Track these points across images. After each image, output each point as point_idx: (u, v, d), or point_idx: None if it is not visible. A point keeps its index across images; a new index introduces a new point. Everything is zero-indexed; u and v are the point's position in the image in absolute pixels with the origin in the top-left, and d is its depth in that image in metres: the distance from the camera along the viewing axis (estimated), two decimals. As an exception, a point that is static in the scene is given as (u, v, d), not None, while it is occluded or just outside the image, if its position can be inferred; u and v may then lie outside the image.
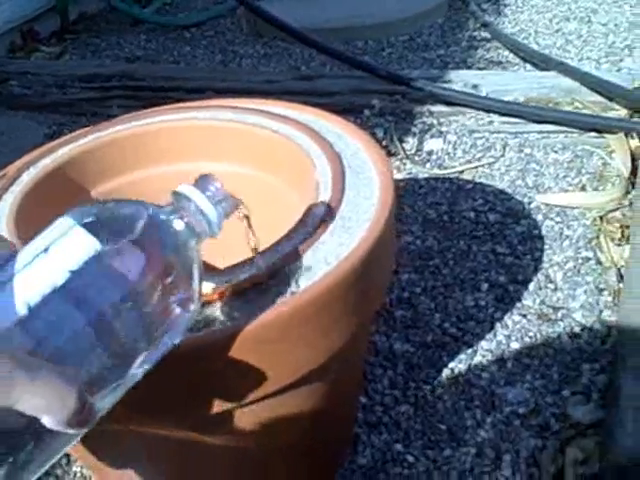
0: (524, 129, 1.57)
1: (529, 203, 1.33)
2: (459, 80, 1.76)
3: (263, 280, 0.62)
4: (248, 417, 0.67)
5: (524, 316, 1.07)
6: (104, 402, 0.42)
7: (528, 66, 1.94)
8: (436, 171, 1.47)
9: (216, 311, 0.60)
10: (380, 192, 0.72)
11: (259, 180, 0.84)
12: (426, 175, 1.46)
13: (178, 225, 0.48)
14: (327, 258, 0.64)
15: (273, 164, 0.82)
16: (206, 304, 0.60)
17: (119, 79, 2.04)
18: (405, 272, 1.18)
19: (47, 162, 0.81)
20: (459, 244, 1.24)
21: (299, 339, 0.61)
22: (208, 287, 0.60)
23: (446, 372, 1.00)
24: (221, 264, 0.68)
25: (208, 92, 1.88)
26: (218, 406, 0.62)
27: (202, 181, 0.52)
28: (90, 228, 0.43)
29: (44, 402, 0.35)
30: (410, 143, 1.57)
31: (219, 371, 0.59)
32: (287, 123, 0.83)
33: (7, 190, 0.77)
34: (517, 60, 1.99)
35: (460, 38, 2.18)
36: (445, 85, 1.71)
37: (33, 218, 0.74)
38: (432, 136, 1.59)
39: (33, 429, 0.37)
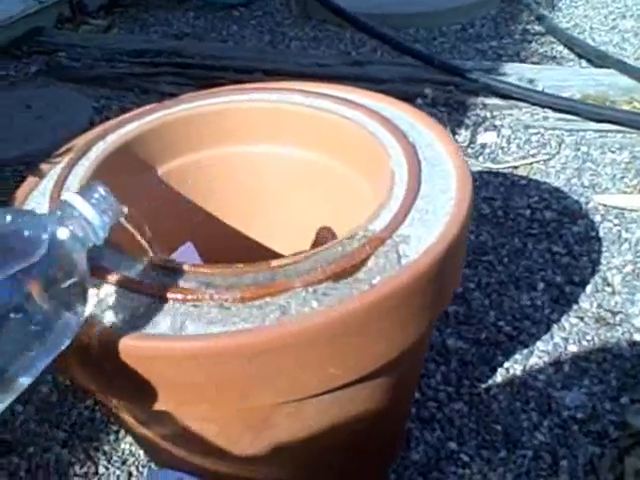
0: (580, 127, 1.54)
1: (586, 203, 1.30)
2: (514, 73, 1.73)
3: (341, 271, 0.60)
4: (314, 409, 0.65)
5: (581, 319, 1.05)
6: None
7: (583, 62, 1.90)
8: (489, 165, 1.45)
9: (292, 300, 0.58)
10: (458, 186, 0.70)
11: (327, 167, 0.82)
12: (479, 169, 1.43)
13: (62, 234, 0.50)
14: (406, 251, 0.62)
15: (343, 151, 0.80)
16: (281, 292, 0.59)
17: (168, 55, 2.03)
18: (462, 270, 1.16)
19: (115, 138, 0.79)
20: (514, 241, 1.22)
21: (376, 333, 0.60)
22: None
23: (501, 371, 0.98)
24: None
25: (257, 73, 1.86)
26: (286, 397, 0.61)
27: (87, 189, 0.54)
28: None
29: None
30: (463, 135, 1.54)
31: (292, 362, 0.58)
32: (359, 110, 0.81)
33: (76, 164, 0.76)
34: (572, 56, 1.95)
35: (513, 30, 2.14)
36: (500, 78, 1.67)
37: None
38: (486, 129, 1.56)
39: None
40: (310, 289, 0.59)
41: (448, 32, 2.16)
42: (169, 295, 0.58)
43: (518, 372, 0.97)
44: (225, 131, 0.85)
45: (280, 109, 0.83)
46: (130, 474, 0.90)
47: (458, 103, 1.65)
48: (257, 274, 0.60)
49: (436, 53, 1.98)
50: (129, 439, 0.94)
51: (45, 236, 0.48)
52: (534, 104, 1.61)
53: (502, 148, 1.50)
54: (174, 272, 0.61)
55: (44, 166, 0.79)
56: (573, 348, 1.00)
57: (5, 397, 0.43)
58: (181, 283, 0.60)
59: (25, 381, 0.45)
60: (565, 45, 2.00)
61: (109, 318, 0.57)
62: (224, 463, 0.72)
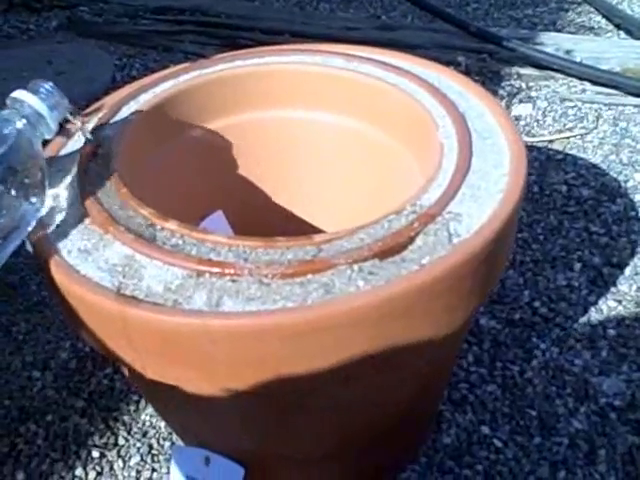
0: (620, 101, 1.48)
1: (625, 181, 1.25)
2: (551, 43, 1.67)
3: (388, 249, 0.56)
4: (351, 393, 0.62)
5: (619, 302, 1.01)
6: None
7: (622, 33, 1.84)
8: (524, 138, 1.40)
9: (336, 278, 0.55)
10: (511, 161, 0.66)
11: (370, 136, 0.78)
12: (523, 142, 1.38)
13: (13, 127, 0.54)
14: (457, 230, 0.58)
15: (388, 120, 0.76)
16: (325, 269, 0.55)
17: (192, 13, 1.98)
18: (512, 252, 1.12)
19: (147, 97, 0.76)
20: (549, 218, 1.17)
21: (424, 316, 0.56)
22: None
23: (536, 354, 0.94)
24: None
25: (285, 35, 1.81)
26: (325, 379, 0.58)
27: (33, 85, 0.58)
28: None
29: None
30: (497, 106, 1.49)
31: (333, 344, 0.54)
32: (405, 76, 0.77)
33: (106, 124, 0.72)
34: (610, 27, 1.88)
35: (549, -1, 2.07)
36: (537, 47, 1.62)
37: (133, 158, 0.70)
38: (521, 101, 1.51)
39: None
40: (355, 267, 0.55)
41: (481, -2, 2.09)
42: (205, 268, 0.55)
43: (554, 355, 0.94)
44: (262, 94, 0.81)
45: (321, 73, 0.79)
46: (151, 447, 0.87)
47: (492, 73, 1.60)
48: (299, 249, 0.56)
49: (468, 20, 1.92)
50: (150, 410, 0.91)
51: (7, 130, 0.52)
52: (571, 76, 1.55)
53: (537, 121, 1.45)
54: (211, 244, 0.57)
55: (71, 125, 0.75)
56: (611, 332, 0.96)
57: None
58: (218, 256, 0.56)
59: None
60: (603, 15, 1.92)
61: (142, 291, 0.54)
62: (253, 443, 0.70)
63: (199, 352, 0.54)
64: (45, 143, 0.64)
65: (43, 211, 0.56)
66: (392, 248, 0.56)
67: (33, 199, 0.53)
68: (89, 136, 0.68)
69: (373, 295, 0.53)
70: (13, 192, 0.49)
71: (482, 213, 0.60)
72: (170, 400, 0.68)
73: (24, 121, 0.55)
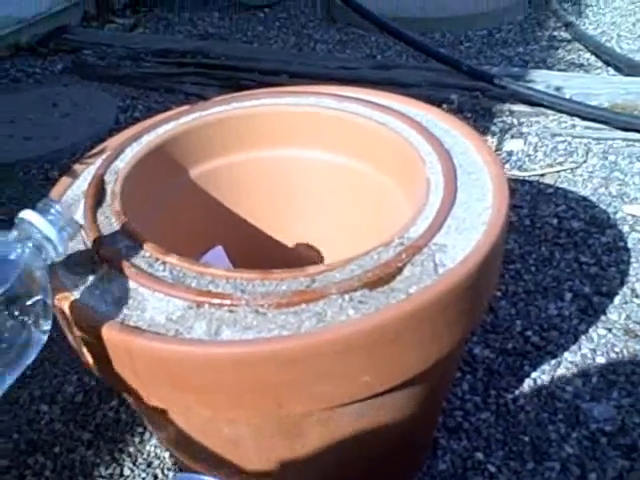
0: (608, 135, 1.53)
1: (614, 213, 1.29)
2: (541, 80, 1.72)
3: (377, 279, 0.59)
4: (345, 418, 0.65)
5: (609, 330, 1.04)
6: None
7: (611, 70, 1.89)
8: (516, 172, 1.44)
9: (328, 307, 0.58)
10: (494, 195, 0.69)
11: (361, 173, 0.82)
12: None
13: (20, 251, 0.50)
14: (443, 260, 0.61)
15: (377, 157, 0.80)
16: (317, 299, 0.58)
17: (193, 56, 2.04)
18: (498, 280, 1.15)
19: (150, 139, 0.80)
20: (541, 250, 1.21)
21: (411, 342, 0.59)
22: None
23: (528, 382, 0.97)
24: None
25: (282, 75, 1.86)
26: (320, 404, 0.60)
27: (43, 206, 0.54)
28: None
29: None
30: (489, 142, 1.53)
31: (327, 370, 0.57)
32: (393, 115, 0.81)
33: (111, 164, 0.76)
34: (599, 63, 1.93)
35: (540, 37, 2.13)
36: (528, 85, 1.66)
37: (136, 196, 0.73)
38: (512, 136, 1.55)
39: None
40: (346, 297, 0.58)
41: (474, 37, 2.15)
42: (205, 299, 0.58)
43: (546, 383, 0.96)
44: (259, 134, 0.85)
45: (314, 113, 0.83)
46: (155, 477, 0.90)
47: (484, 109, 1.64)
48: (293, 280, 0.60)
49: (462, 58, 1.97)
50: (154, 442, 0.94)
51: (13, 257, 0.49)
52: (562, 112, 1.60)
53: (529, 156, 1.49)
54: (210, 276, 0.60)
55: (78, 166, 0.79)
56: (601, 360, 0.99)
57: None
58: (217, 288, 0.59)
59: None
60: (593, 52, 1.98)
61: (145, 321, 0.57)
62: (253, 469, 0.72)
63: (200, 379, 0.57)
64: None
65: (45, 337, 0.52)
66: (381, 279, 0.60)
67: (39, 322, 0.50)
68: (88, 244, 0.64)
69: (363, 323, 0.56)
70: (17, 316, 0.47)
71: (467, 244, 0.63)
72: (172, 428, 0.71)
73: (31, 246, 0.52)
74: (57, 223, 0.53)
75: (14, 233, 0.51)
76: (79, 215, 0.69)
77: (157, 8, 2.56)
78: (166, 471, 0.90)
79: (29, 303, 0.48)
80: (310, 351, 0.56)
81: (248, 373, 0.56)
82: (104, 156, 0.78)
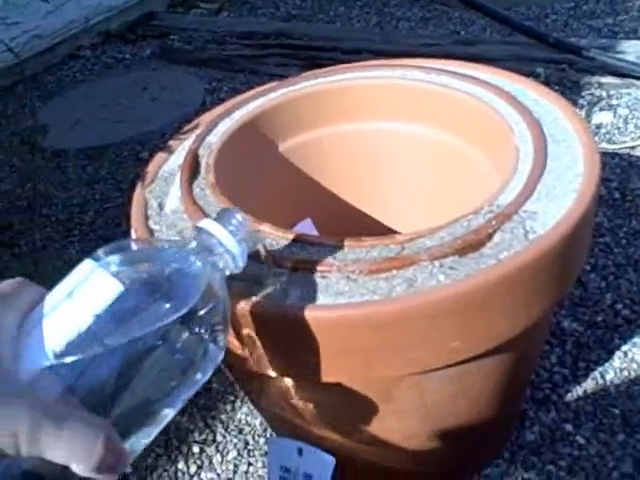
0: None
1: None
2: (632, 51, 1.67)
3: (467, 246, 0.60)
4: (434, 384, 0.66)
5: None
6: (137, 443, 0.42)
7: None
8: (605, 145, 1.41)
9: (419, 273, 0.59)
10: (585, 162, 0.69)
11: (448, 144, 0.82)
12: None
13: (202, 264, 0.47)
14: (533, 227, 0.61)
15: (465, 128, 0.80)
16: (408, 265, 0.59)
17: (276, 37, 2.06)
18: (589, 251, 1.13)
19: (240, 114, 0.82)
20: (631, 223, 1.18)
21: (501, 308, 0.60)
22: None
23: (618, 355, 0.95)
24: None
25: (366, 54, 1.87)
26: (410, 369, 0.62)
27: (224, 215, 0.51)
28: (112, 270, 0.43)
29: (71, 451, 0.35)
30: (577, 115, 1.50)
31: (417, 334, 0.58)
32: (481, 86, 0.81)
33: (204, 139, 0.78)
34: (694, 32, 1.86)
35: (630, 7, 2.06)
36: (617, 56, 1.62)
37: (229, 169, 0.76)
38: (601, 109, 1.52)
39: (67, 476, 0.37)
40: (437, 263, 0.59)
41: (561, 9, 2.10)
42: (299, 266, 0.60)
43: (637, 356, 0.95)
44: (346, 108, 0.86)
45: (401, 86, 0.84)
46: (247, 443, 0.93)
47: (572, 82, 1.61)
48: (383, 248, 0.61)
49: (548, 31, 1.93)
50: (245, 409, 0.97)
51: (195, 272, 0.46)
52: (653, 83, 1.55)
53: (618, 128, 1.45)
54: (302, 243, 0.62)
55: (172, 142, 0.82)
56: (696, 333, 0.97)
57: (151, 430, 0.43)
58: (309, 255, 0.61)
59: (168, 413, 0.44)
60: (686, 21, 1.91)
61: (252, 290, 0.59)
62: (341, 434, 0.74)
63: (293, 342, 0.59)
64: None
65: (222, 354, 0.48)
66: (471, 245, 0.60)
67: (218, 337, 0.47)
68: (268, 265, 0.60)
69: (452, 289, 0.57)
70: (196, 332, 0.44)
71: (557, 211, 0.63)
72: (266, 393, 0.73)
73: (212, 259, 0.49)
74: (238, 234, 0.50)
75: (193, 244, 0.48)
76: (175, 187, 0.72)
77: (240, -9, 2.60)
78: (257, 437, 0.93)
79: (209, 318, 0.46)
80: (401, 316, 0.57)
81: (340, 337, 0.58)
82: (197, 132, 0.81)
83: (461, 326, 0.59)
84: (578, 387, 0.92)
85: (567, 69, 1.65)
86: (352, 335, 0.58)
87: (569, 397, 0.91)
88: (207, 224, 0.49)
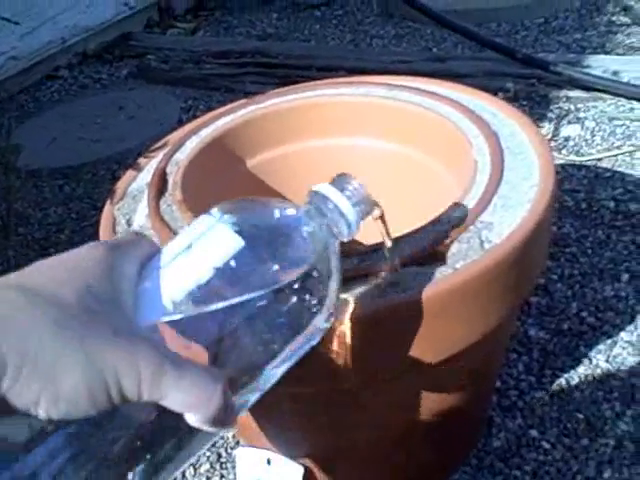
0: (668, 118, 1.51)
1: (673, 195, 1.28)
2: (598, 65, 1.71)
3: (424, 256, 0.62)
4: (395, 390, 0.68)
5: (667, 310, 1.04)
6: (243, 403, 0.42)
7: (672, 53, 1.86)
8: (573, 157, 1.44)
9: (374, 284, 0.61)
10: (540, 173, 0.71)
11: (410, 158, 0.85)
12: (562, 161, 1.42)
13: (317, 227, 0.46)
14: (489, 237, 0.64)
15: (426, 142, 0.82)
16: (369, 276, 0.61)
17: (252, 56, 2.09)
18: (546, 259, 1.16)
19: (208, 131, 0.84)
20: (597, 233, 1.21)
21: (457, 316, 0.62)
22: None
23: (583, 362, 0.98)
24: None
25: (340, 71, 1.89)
26: (371, 373, 0.63)
27: (340, 180, 0.50)
28: (233, 226, 0.42)
29: (190, 398, 0.34)
30: (546, 128, 1.54)
31: (374, 343, 0.60)
32: (441, 101, 0.83)
33: (172, 157, 0.80)
34: (660, 46, 1.91)
35: (598, 22, 2.10)
36: (584, 70, 1.66)
37: (196, 186, 0.78)
38: (569, 122, 1.55)
39: (174, 427, 0.36)
40: (395, 273, 0.61)
41: (531, 26, 2.14)
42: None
43: (601, 362, 0.97)
44: (312, 124, 0.88)
45: (365, 102, 0.86)
46: (219, 455, 0.94)
47: (541, 96, 1.65)
48: (344, 259, 0.63)
49: (518, 47, 1.97)
50: (219, 421, 0.98)
51: (308, 236, 0.45)
52: (619, 95, 1.59)
53: (586, 140, 1.49)
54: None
55: (142, 160, 0.84)
56: (658, 339, 0.99)
57: (253, 393, 0.43)
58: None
59: (272, 376, 0.44)
60: (652, 36, 1.96)
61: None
62: (312, 443, 0.75)
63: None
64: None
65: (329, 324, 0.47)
66: (429, 255, 0.62)
67: (324, 307, 0.45)
68: (389, 243, 0.58)
69: (409, 297, 0.59)
70: (307, 300, 0.43)
71: (512, 221, 0.65)
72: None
73: (326, 223, 0.47)
74: (353, 199, 0.48)
75: (308, 208, 0.47)
76: (143, 205, 0.74)
77: (217, 11, 2.63)
78: (229, 450, 0.94)
79: (320, 287, 0.44)
80: (356, 326, 0.59)
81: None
82: (166, 150, 0.83)
83: (420, 334, 0.61)
84: (544, 393, 0.94)
85: (536, 84, 1.69)
86: (318, 345, 0.60)
87: (535, 404, 0.93)
88: (323, 188, 0.49)
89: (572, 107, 1.60)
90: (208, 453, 0.94)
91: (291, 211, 0.46)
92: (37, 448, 0.34)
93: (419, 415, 0.73)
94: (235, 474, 0.91)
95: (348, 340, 0.59)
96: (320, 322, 0.45)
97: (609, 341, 1.00)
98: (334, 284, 0.46)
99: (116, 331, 0.34)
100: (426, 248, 0.63)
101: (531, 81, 1.69)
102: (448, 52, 2.01)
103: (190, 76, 2.05)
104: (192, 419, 0.35)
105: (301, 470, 0.78)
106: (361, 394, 0.67)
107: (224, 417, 0.36)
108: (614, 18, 2.13)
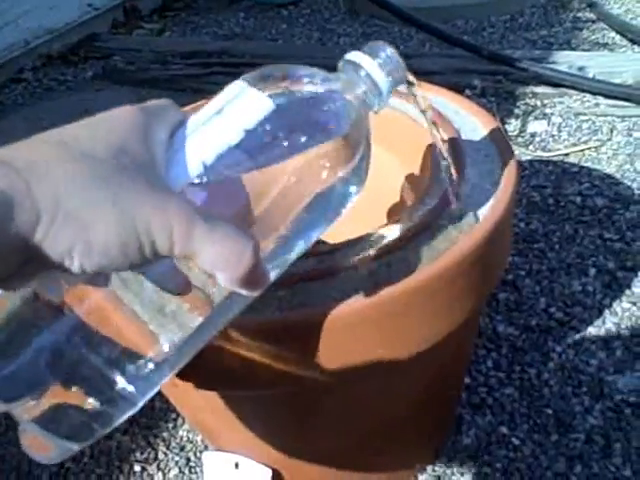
0: (633, 112, 1.52)
1: (638, 189, 1.29)
2: (564, 61, 1.71)
3: (388, 255, 0.61)
4: (361, 388, 0.67)
5: (634, 304, 1.04)
6: (270, 272, 0.41)
7: (636, 48, 1.87)
8: (540, 153, 1.44)
9: (338, 281, 0.60)
10: (502, 169, 0.71)
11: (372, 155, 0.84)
12: (529, 157, 1.43)
13: (349, 96, 0.46)
14: (450, 234, 0.63)
15: (387, 140, 0.81)
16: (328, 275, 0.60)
17: (219, 56, 2.07)
18: (509, 255, 1.16)
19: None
20: (565, 228, 1.21)
21: (421, 315, 0.61)
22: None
23: (552, 357, 0.98)
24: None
25: (307, 70, 1.89)
26: (334, 375, 0.63)
27: (373, 48, 0.49)
28: (264, 90, 0.42)
29: (221, 255, 0.34)
30: (513, 125, 1.54)
31: (338, 341, 0.60)
32: (402, 98, 0.83)
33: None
34: (624, 42, 1.92)
35: (564, 19, 2.12)
36: (550, 66, 1.66)
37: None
38: (536, 118, 1.56)
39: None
40: (357, 273, 0.60)
41: (497, 23, 2.15)
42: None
43: (570, 357, 0.97)
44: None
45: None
46: (188, 459, 0.93)
47: (507, 93, 1.65)
48: (304, 259, 0.62)
49: (485, 44, 1.97)
50: (187, 427, 0.97)
51: (342, 104, 0.44)
52: (585, 91, 1.59)
53: (553, 136, 1.49)
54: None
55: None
56: (625, 333, 1.00)
57: (282, 262, 0.43)
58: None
59: (299, 247, 0.44)
60: (617, 31, 1.97)
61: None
62: (276, 445, 0.75)
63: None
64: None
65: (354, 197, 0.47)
66: (391, 254, 0.62)
67: (353, 177, 0.45)
68: (425, 108, 0.58)
69: (372, 296, 0.58)
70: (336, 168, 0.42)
71: (474, 219, 0.65)
72: (201, 408, 0.74)
73: (359, 91, 0.47)
74: (386, 67, 0.47)
75: (341, 76, 0.47)
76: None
77: (184, 12, 2.61)
78: (198, 454, 0.93)
79: (345, 151, 0.44)
80: (318, 325, 0.58)
81: (266, 348, 0.59)
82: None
83: (383, 334, 0.60)
84: (513, 390, 0.94)
85: (503, 80, 1.69)
86: (277, 347, 0.59)
87: (504, 400, 0.93)
88: (355, 56, 0.48)
89: (538, 103, 1.61)
90: (177, 458, 0.93)
91: (323, 79, 0.45)
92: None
93: (385, 417, 0.72)
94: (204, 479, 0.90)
95: (308, 342, 0.58)
96: (347, 195, 0.46)
97: (577, 336, 1.00)
98: (363, 155, 0.46)
99: (149, 188, 0.34)
100: (388, 247, 0.62)
101: (498, 78, 1.70)
102: (415, 50, 2.01)
103: (157, 77, 2.03)
104: (222, 278, 0.35)
105: (269, 473, 0.77)
106: (323, 397, 0.66)
107: (255, 277, 0.35)
108: (580, 14, 2.14)
